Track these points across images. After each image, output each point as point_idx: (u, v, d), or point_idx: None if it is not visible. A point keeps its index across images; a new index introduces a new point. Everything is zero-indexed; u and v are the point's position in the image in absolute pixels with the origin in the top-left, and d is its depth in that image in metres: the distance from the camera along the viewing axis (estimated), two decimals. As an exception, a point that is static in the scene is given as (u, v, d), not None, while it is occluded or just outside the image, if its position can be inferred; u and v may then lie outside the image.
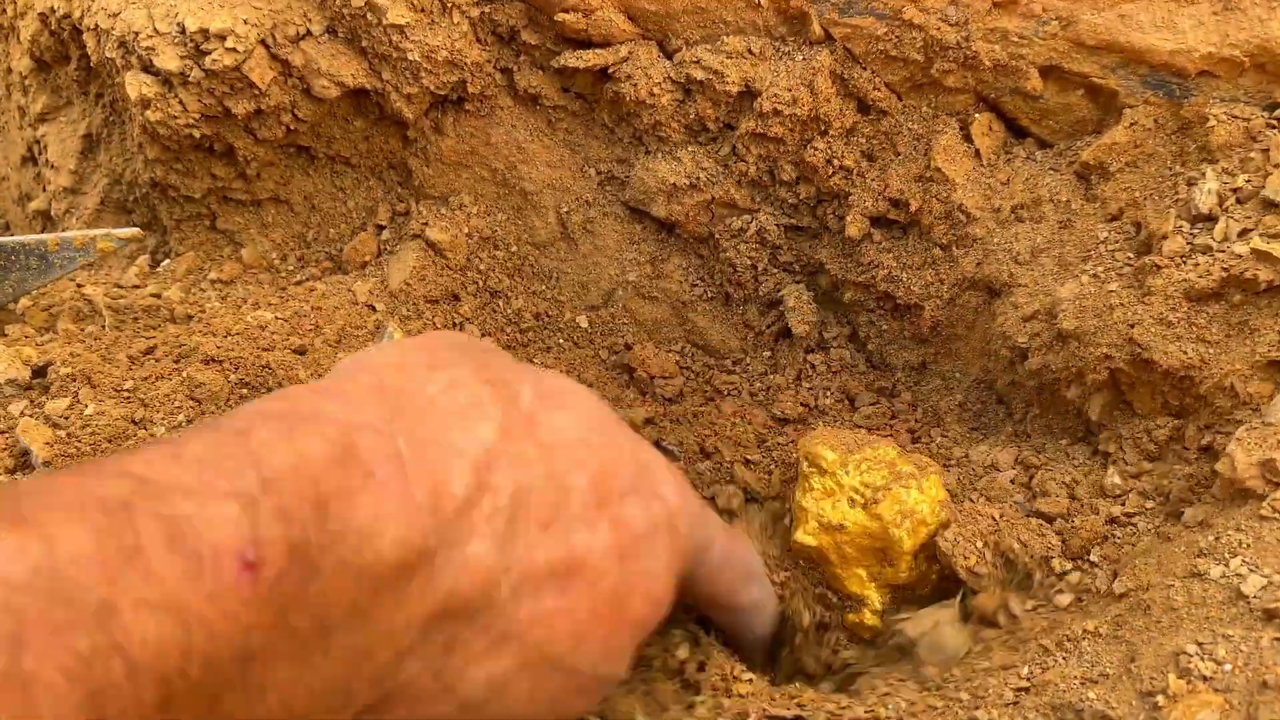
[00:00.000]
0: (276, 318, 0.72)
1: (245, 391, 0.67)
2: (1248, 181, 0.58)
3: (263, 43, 0.73)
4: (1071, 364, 0.61)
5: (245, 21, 0.73)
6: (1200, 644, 0.46)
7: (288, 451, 0.35)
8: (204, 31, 0.73)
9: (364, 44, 0.74)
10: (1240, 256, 0.55)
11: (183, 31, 0.73)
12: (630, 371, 0.77)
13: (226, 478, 0.33)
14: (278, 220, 0.84)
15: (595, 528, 0.45)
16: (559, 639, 0.43)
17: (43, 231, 0.95)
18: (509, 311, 0.78)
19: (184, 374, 0.66)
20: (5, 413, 0.64)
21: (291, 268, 0.83)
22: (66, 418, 0.63)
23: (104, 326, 0.72)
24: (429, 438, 0.40)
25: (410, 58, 0.73)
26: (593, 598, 0.44)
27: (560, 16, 0.71)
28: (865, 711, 0.53)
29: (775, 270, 0.76)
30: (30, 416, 0.63)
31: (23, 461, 0.61)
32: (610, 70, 0.72)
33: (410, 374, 0.44)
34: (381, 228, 0.82)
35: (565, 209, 0.79)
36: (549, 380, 0.49)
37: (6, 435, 0.63)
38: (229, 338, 0.70)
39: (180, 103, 0.75)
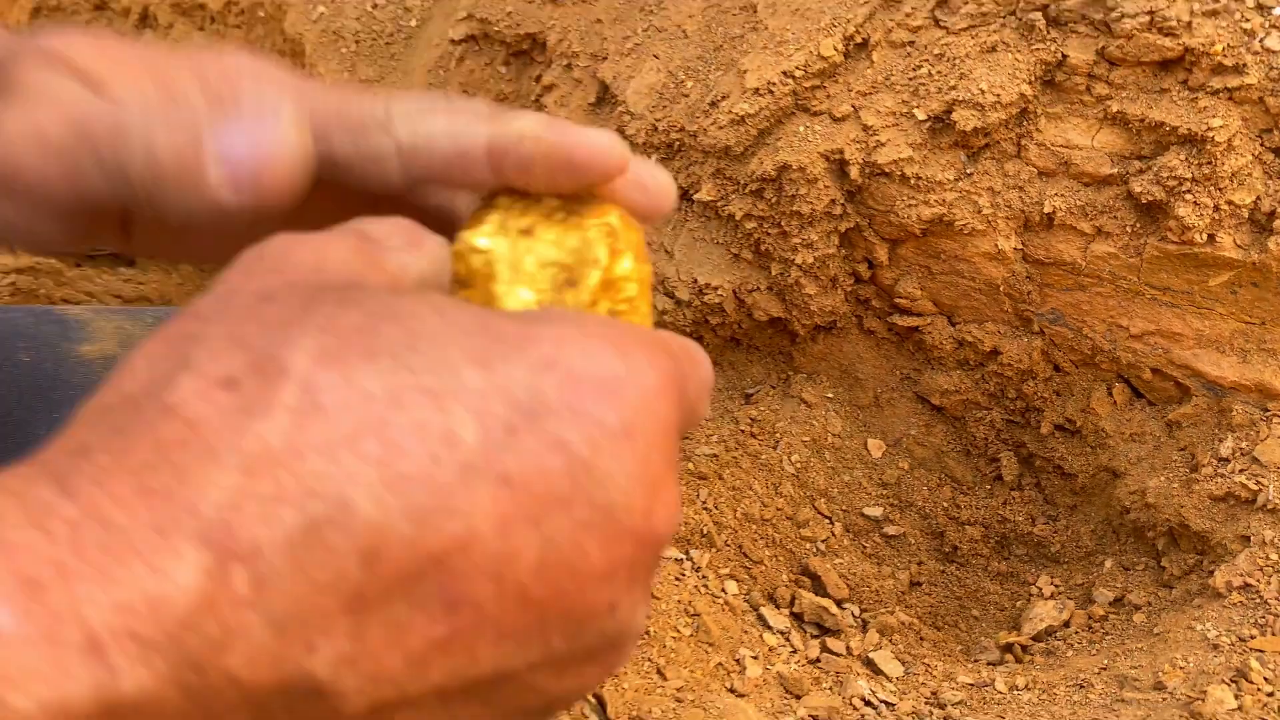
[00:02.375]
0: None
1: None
2: (1250, 445, 1.17)
3: (734, 292, 1.40)
4: (1151, 521, 1.21)
5: (726, 279, 1.40)
6: (1183, 656, 1.06)
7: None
8: (694, 281, 1.40)
9: (785, 296, 1.39)
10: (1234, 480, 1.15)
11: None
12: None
13: None
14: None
15: None
16: None
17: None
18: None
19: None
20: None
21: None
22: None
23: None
24: None
25: (810, 307, 1.39)
26: None
27: (899, 300, 1.35)
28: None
29: (997, 442, 1.38)
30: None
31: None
32: (919, 327, 1.36)
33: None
34: (773, 388, 1.47)
35: (879, 390, 1.43)
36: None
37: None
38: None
39: (682, 314, 1.43)
